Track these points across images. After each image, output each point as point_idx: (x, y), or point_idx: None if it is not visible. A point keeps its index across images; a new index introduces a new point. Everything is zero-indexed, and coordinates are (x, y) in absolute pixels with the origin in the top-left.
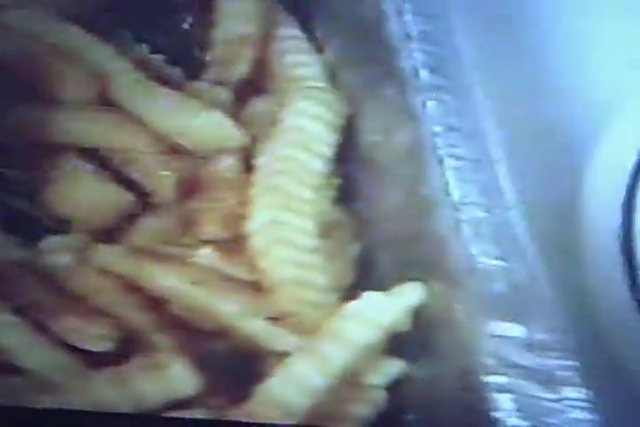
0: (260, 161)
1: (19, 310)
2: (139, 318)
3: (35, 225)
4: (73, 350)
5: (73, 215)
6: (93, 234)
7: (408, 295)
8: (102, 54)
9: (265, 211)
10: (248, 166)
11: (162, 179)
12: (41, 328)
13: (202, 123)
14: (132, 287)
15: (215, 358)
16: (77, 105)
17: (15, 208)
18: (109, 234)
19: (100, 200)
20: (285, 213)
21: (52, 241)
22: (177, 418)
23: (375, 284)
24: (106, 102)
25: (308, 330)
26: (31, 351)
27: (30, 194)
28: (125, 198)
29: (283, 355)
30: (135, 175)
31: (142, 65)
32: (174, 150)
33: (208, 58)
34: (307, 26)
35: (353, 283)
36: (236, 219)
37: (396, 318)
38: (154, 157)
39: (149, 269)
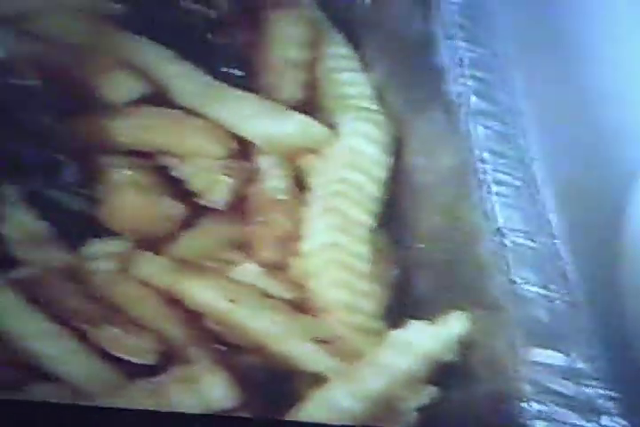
0: (315, 181)
1: (59, 319)
2: (176, 330)
3: (86, 227)
4: (111, 359)
5: (123, 225)
6: (139, 242)
7: (452, 325)
8: (159, 57)
9: (322, 232)
10: (299, 186)
11: (217, 183)
12: (81, 337)
13: (289, 124)
14: (172, 299)
15: (250, 374)
16: (132, 108)
17: (70, 209)
18: (155, 243)
19: (151, 211)
20: (342, 236)
21: (96, 247)
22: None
23: (414, 308)
24: (161, 103)
25: (350, 355)
26: (69, 360)
27: (87, 196)
28: (176, 209)
29: (319, 377)
30: (187, 178)
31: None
32: (237, 154)
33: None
34: (356, 45)
35: (393, 308)
36: (287, 242)
37: (439, 347)
38: (211, 161)
39: (189, 283)
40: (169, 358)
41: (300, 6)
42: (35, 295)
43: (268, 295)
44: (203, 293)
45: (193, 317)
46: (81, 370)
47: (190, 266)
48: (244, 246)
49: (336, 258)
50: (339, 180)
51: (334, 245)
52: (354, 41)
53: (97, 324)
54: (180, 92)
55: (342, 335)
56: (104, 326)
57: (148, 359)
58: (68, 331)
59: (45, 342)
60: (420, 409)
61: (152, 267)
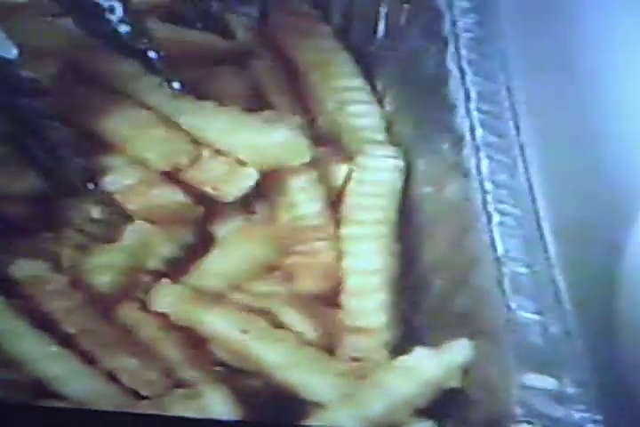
0: (349, 204)
1: (66, 341)
2: (177, 353)
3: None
4: (117, 381)
5: (134, 209)
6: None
7: (457, 352)
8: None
9: (360, 257)
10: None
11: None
12: (88, 359)
13: (270, 138)
14: (175, 324)
15: (253, 393)
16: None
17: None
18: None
19: (161, 199)
20: (379, 261)
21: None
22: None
23: (416, 335)
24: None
25: (359, 378)
26: (75, 381)
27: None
28: (178, 196)
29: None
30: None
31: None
32: None
33: None
34: (369, 76)
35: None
36: (329, 270)
37: (443, 374)
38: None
39: (204, 313)
40: (174, 383)
41: (319, 36)
42: (37, 317)
43: (280, 326)
44: (215, 322)
45: (195, 340)
46: (87, 391)
47: (207, 296)
48: (281, 276)
49: (373, 281)
50: (368, 208)
51: (374, 270)
52: (367, 72)
53: (107, 350)
54: (158, 104)
55: (359, 358)
56: (116, 353)
57: (159, 391)
58: (73, 353)
59: (51, 363)
60: None
61: (169, 297)
